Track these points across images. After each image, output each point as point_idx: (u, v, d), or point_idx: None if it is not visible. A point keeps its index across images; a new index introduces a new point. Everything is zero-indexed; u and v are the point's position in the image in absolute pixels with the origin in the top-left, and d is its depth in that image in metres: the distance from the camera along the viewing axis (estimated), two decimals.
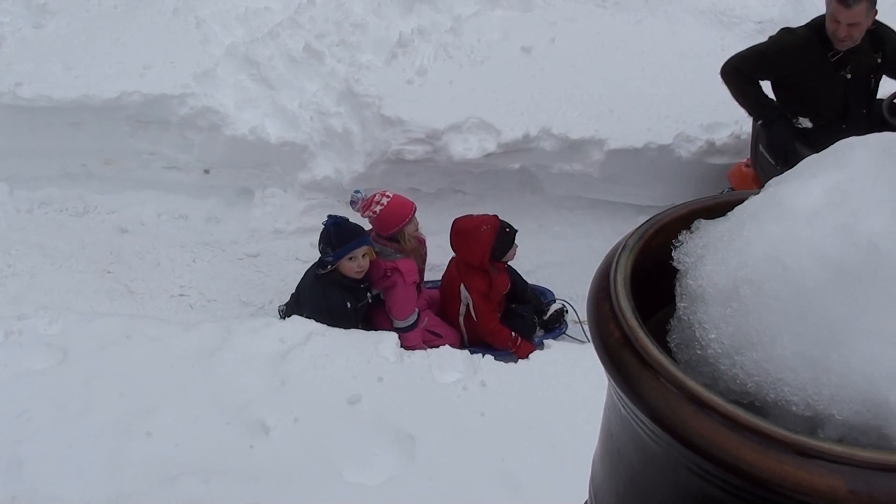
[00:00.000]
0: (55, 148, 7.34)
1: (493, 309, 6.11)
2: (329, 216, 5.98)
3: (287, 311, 6.02)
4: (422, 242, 6.20)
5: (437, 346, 5.34)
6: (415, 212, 5.99)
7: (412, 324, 5.99)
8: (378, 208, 5.94)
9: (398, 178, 6.87)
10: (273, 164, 7.23)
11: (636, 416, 1.04)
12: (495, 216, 6.02)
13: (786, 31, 5.97)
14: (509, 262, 6.26)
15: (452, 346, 5.45)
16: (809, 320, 0.96)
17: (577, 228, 7.14)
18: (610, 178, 6.94)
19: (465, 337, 6.18)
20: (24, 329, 5.13)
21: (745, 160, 6.49)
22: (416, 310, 6.01)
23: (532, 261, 6.84)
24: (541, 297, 6.55)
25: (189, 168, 7.41)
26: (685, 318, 1.08)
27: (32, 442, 4.46)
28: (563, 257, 6.98)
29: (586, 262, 6.71)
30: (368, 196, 5.96)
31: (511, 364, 5.19)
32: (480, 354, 5.28)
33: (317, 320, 5.60)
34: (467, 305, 6.09)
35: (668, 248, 1.16)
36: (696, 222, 1.16)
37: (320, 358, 4.97)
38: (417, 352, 5.24)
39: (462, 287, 6.06)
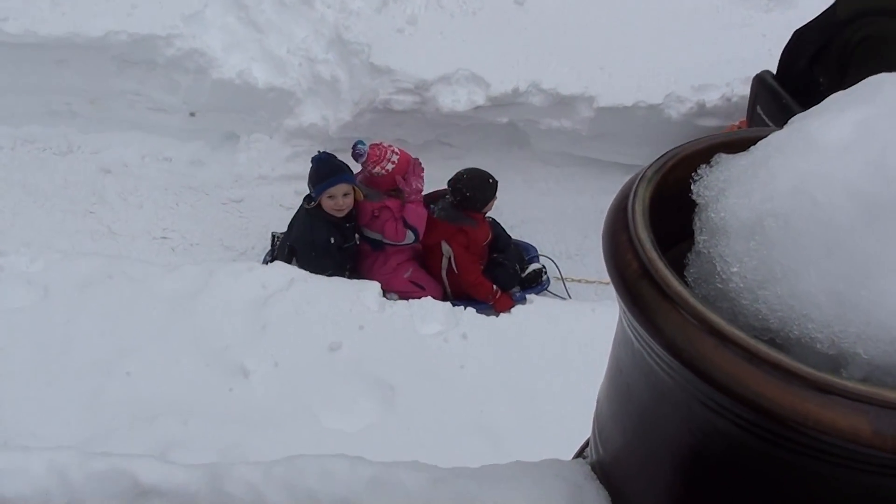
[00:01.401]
0: (39, 85, 7.24)
1: (474, 261, 6.10)
2: (318, 152, 6.01)
3: (281, 242, 6.06)
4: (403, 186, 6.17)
5: (420, 298, 5.32)
6: (400, 152, 6.03)
7: (413, 240, 6.01)
8: (390, 166, 5.94)
9: (385, 128, 6.82)
10: (259, 109, 7.15)
11: (651, 349, 1.01)
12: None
13: None
14: (490, 215, 6.25)
15: (435, 298, 5.43)
16: (837, 256, 0.93)
17: (564, 185, 7.11)
18: (598, 136, 6.90)
19: (448, 290, 6.17)
20: (5, 266, 5.09)
21: (738, 122, 6.45)
22: (412, 230, 5.98)
23: (516, 216, 6.82)
24: (523, 253, 6.54)
25: (174, 110, 7.33)
26: (705, 251, 1.05)
27: (11, 379, 4.44)
28: (547, 213, 6.96)
29: (571, 219, 6.73)
30: (376, 150, 5.94)
31: (492, 318, 5.19)
32: (462, 307, 5.27)
33: (301, 252, 5.67)
34: (449, 259, 6.08)
35: (685, 184, 1.13)
36: (716, 156, 1.13)
37: (302, 304, 4.95)
38: (400, 302, 5.23)
39: (443, 241, 6.05)
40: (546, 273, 6.46)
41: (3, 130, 7.32)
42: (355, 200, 5.91)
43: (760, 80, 5.96)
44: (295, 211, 6.12)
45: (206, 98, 7.20)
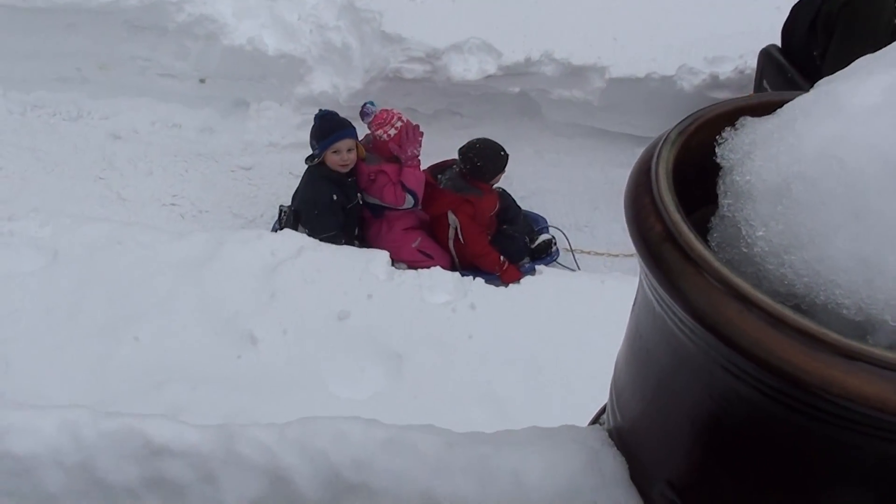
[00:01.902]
0: (49, 50, 7.22)
1: (481, 231, 6.09)
2: (319, 109, 6.01)
3: (288, 211, 6.10)
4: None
5: (428, 268, 5.31)
6: (398, 114, 6.02)
7: (413, 205, 6.02)
8: (392, 132, 5.94)
9: (395, 96, 6.79)
10: (270, 76, 7.13)
11: (673, 314, 1.00)
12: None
13: None
14: (500, 185, 6.24)
15: (443, 268, 5.41)
16: (866, 220, 0.92)
17: (574, 156, 7.08)
18: (610, 107, 6.87)
19: (456, 260, 6.16)
20: (15, 230, 5.08)
21: (747, 96, 6.41)
22: (411, 194, 5.98)
23: (526, 187, 6.80)
24: (532, 224, 6.52)
25: (185, 77, 7.31)
26: (729, 215, 1.04)
27: (20, 342, 4.44)
28: (558, 184, 6.93)
29: (581, 190, 6.70)
30: (384, 113, 5.93)
31: (501, 288, 5.17)
32: (471, 277, 5.26)
33: (304, 212, 5.73)
34: (455, 229, 6.07)
35: (708, 148, 1.12)
36: (741, 119, 1.11)
37: (311, 272, 4.94)
38: (408, 272, 5.21)
39: (449, 211, 6.04)
40: (556, 244, 6.44)
41: (13, 95, 7.31)
42: (358, 160, 5.94)
43: (766, 54, 5.94)
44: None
45: (216, 65, 7.18)
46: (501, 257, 6.09)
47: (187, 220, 6.54)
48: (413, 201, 5.95)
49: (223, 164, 6.99)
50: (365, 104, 5.95)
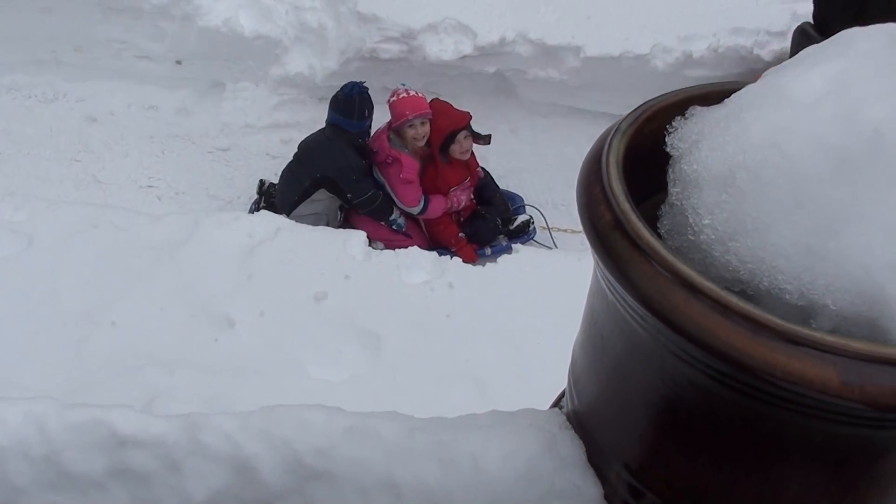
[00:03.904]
0: (24, 33, 7.16)
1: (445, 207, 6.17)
2: (353, 84, 6.13)
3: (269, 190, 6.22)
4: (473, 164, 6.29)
5: (406, 247, 5.33)
6: (422, 116, 6.02)
7: (421, 209, 6.13)
8: (393, 99, 6.07)
9: (372, 76, 6.77)
10: (246, 57, 7.10)
11: (624, 300, 1.02)
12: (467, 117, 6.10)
13: None
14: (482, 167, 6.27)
15: (421, 247, 5.43)
16: (807, 208, 0.94)
17: (551, 135, 7.09)
18: (586, 86, 6.87)
19: (427, 235, 6.20)
20: None
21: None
22: (421, 198, 6.11)
23: (503, 166, 6.81)
24: (509, 204, 6.54)
25: (160, 58, 7.27)
26: (678, 203, 1.06)
27: None
28: (535, 163, 6.95)
29: (558, 168, 6.71)
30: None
31: (479, 267, 5.20)
32: (448, 256, 5.28)
33: (342, 179, 5.94)
34: None
35: (660, 136, 1.14)
36: (691, 108, 1.13)
37: (288, 253, 4.94)
38: (386, 252, 5.23)
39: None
40: (533, 223, 6.47)
41: None
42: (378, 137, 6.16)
43: (802, 32, 5.90)
44: (283, 159, 6.18)
45: (192, 46, 7.14)
46: (461, 234, 6.13)
47: (164, 202, 6.52)
48: (421, 207, 6.09)
49: (200, 146, 6.97)
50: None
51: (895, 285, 0.91)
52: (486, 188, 6.38)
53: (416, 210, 6.08)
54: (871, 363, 0.88)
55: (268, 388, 4.10)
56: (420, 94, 6.05)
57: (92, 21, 7.09)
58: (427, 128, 6.02)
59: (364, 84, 6.12)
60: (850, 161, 0.93)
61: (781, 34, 6.50)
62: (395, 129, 6.03)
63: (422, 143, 6.03)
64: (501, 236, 6.38)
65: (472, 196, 6.33)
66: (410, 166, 6.00)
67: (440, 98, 6.30)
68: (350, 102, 5.96)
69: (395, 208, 6.12)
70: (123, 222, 5.07)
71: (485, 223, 6.28)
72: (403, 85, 6.12)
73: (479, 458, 1.26)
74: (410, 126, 5.95)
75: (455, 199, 6.14)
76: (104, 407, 1.36)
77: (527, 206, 6.57)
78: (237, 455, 1.30)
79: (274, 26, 6.97)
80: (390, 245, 5.77)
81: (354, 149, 6.00)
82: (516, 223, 6.44)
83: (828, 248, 0.92)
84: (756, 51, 6.49)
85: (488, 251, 6.22)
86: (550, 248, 6.24)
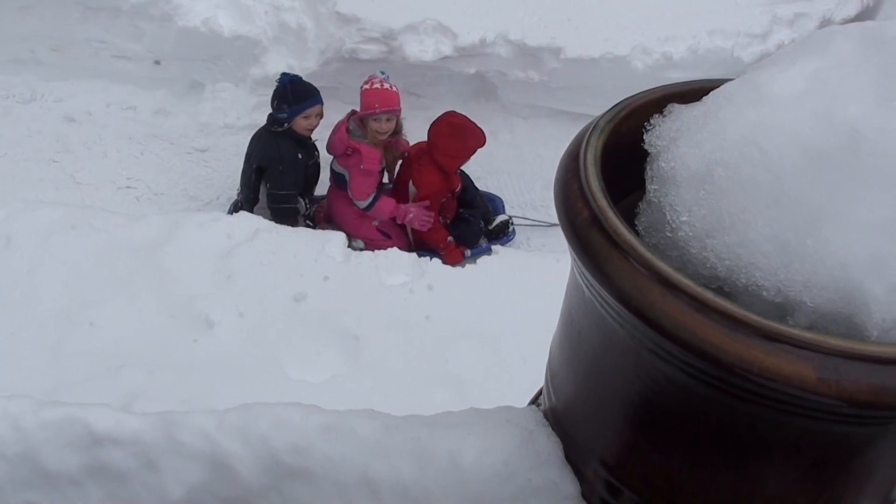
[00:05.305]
0: (2, 32, 7.12)
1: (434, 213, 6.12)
2: (283, 74, 6.10)
3: (244, 169, 6.17)
4: (394, 145, 6.17)
5: (386, 248, 5.33)
6: (390, 113, 5.93)
7: (367, 205, 6.00)
8: (366, 87, 5.95)
9: (352, 77, 6.76)
10: (225, 57, 7.08)
11: (601, 297, 1.02)
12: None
13: None
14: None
15: (401, 248, 5.43)
16: (785, 205, 0.94)
17: (531, 136, 7.09)
18: (566, 87, 6.88)
19: (411, 238, 6.17)
20: None
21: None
22: (373, 194, 6.00)
23: (483, 167, 6.80)
24: (488, 205, 6.55)
25: (139, 58, 7.24)
26: (655, 200, 1.06)
27: None
28: (514, 165, 6.95)
29: (537, 170, 6.72)
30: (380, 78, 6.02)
31: (458, 268, 5.21)
32: (428, 258, 5.28)
33: (269, 169, 5.86)
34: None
35: (638, 134, 1.14)
36: (669, 106, 1.13)
37: (267, 254, 4.94)
38: (365, 253, 5.23)
39: (410, 184, 6.08)
40: (513, 224, 6.48)
41: None
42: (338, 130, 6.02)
43: None
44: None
45: (171, 46, 7.12)
46: (449, 237, 6.12)
47: (143, 202, 6.50)
48: (370, 202, 6.00)
49: (179, 147, 6.94)
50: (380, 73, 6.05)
51: (872, 282, 0.92)
52: (466, 191, 6.37)
53: (362, 204, 5.97)
54: (847, 359, 0.88)
55: (247, 389, 4.09)
56: (394, 88, 5.94)
57: (70, 20, 7.06)
58: (392, 124, 5.97)
59: (294, 75, 6.11)
60: (828, 158, 0.93)
61: (761, 36, 6.54)
62: (359, 116, 5.95)
63: (384, 137, 5.98)
64: (482, 238, 6.38)
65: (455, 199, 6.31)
66: (371, 157, 5.89)
67: (456, 112, 6.25)
68: (282, 91, 5.95)
69: (300, 218, 6.09)
70: (102, 223, 5.06)
71: (469, 226, 6.26)
72: (383, 73, 5.99)
73: (455, 454, 1.26)
74: (375, 119, 5.88)
75: (403, 211, 6.08)
76: (80, 405, 1.35)
77: (506, 207, 6.59)
78: (214, 452, 1.30)
79: (253, 27, 6.95)
80: (370, 245, 5.76)
81: (291, 139, 5.96)
82: (495, 223, 6.44)
83: (805, 245, 0.93)
84: (736, 52, 6.52)
85: (468, 252, 6.21)
86: (535, 226, 6.43)
